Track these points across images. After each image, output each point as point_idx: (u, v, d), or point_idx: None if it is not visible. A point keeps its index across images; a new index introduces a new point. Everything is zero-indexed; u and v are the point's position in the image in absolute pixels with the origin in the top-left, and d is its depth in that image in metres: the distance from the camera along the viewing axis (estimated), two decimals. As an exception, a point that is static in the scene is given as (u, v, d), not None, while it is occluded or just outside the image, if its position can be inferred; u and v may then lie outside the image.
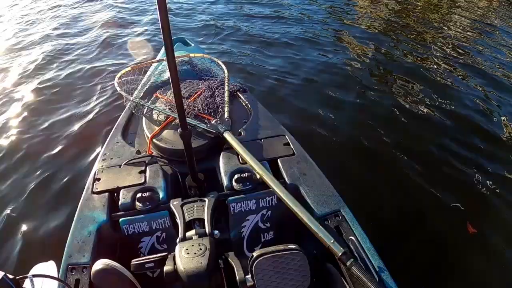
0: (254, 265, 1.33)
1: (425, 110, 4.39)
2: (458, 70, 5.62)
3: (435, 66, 5.66)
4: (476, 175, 3.46)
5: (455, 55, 6.16)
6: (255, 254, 1.36)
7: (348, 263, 1.49)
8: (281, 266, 1.35)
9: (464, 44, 6.74)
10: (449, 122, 4.21)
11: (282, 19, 7.31)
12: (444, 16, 8.59)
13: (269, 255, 1.35)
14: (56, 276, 1.68)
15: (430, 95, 4.76)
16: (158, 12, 1.46)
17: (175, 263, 1.37)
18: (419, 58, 5.94)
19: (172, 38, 3.66)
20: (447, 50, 6.38)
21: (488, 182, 3.39)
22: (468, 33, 7.39)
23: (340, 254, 1.51)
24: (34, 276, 1.30)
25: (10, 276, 1.07)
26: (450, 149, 3.78)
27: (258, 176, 1.92)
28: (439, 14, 8.78)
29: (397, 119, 4.23)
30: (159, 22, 1.50)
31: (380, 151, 3.66)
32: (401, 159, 3.56)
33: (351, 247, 1.66)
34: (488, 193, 3.28)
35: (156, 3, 1.44)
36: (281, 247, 1.39)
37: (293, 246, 1.38)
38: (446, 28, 7.62)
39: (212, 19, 7.24)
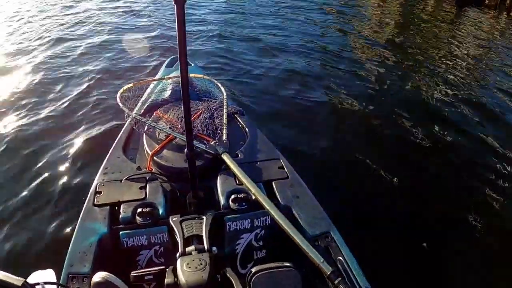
0: (252, 280, 1.41)
1: (419, 136, 4.52)
2: (463, 89, 5.83)
3: (438, 88, 5.88)
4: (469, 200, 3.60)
5: (461, 74, 6.39)
6: (253, 270, 1.44)
7: (336, 282, 1.55)
8: (276, 282, 1.43)
9: (471, 61, 7.01)
10: (445, 147, 4.39)
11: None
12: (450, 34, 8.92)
13: (266, 271, 1.43)
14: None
15: (427, 120, 4.91)
16: (177, 39, 1.58)
17: (175, 276, 1.45)
18: (424, 81, 6.14)
19: (173, 57, 3.78)
20: (454, 68, 6.63)
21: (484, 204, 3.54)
22: (474, 51, 7.65)
23: (329, 273, 1.57)
24: (45, 283, 1.36)
25: (30, 282, 1.15)
26: (445, 173, 3.96)
27: (253, 197, 1.99)
28: (445, 33, 9.18)
29: (387, 144, 4.39)
30: (178, 50, 1.61)
31: (372, 177, 3.78)
32: (393, 185, 3.68)
33: (339, 266, 1.74)
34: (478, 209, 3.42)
35: (176, 23, 1.54)
36: (277, 264, 1.47)
37: (288, 264, 1.46)
38: (453, 44, 7.91)
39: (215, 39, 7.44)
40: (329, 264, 1.62)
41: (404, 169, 3.91)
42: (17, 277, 1.12)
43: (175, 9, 1.51)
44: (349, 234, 2.00)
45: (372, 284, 1.69)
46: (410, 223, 3.26)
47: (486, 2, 12.18)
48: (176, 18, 1.54)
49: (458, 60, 7.21)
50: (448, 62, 7.05)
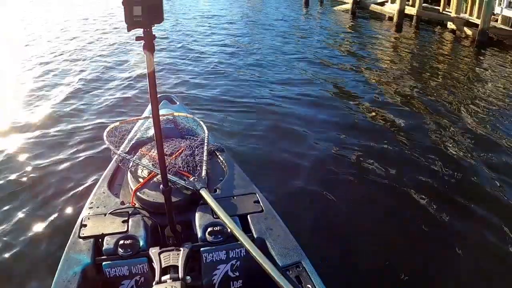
0: None
1: (390, 171, 4.65)
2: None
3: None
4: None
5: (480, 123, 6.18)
6: None
7: None
8: None
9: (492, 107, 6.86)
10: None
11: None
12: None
13: None
14: None
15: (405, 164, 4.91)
16: (148, 78, 1.79)
17: None
18: (440, 126, 6.03)
19: (159, 95, 4.00)
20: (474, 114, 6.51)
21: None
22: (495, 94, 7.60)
23: None
24: None
25: None
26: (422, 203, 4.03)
27: (229, 230, 2.10)
28: (464, 75, 9.10)
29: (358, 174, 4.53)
30: (148, 88, 1.83)
31: (346, 208, 3.91)
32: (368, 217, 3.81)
33: None
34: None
35: (147, 68, 1.76)
36: None
37: None
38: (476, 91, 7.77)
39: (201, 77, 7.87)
40: None
41: (382, 213, 3.97)
42: None
43: (146, 57, 1.73)
44: (322, 264, 2.15)
45: None
46: (384, 258, 3.33)
47: (506, 42, 12.35)
48: (146, 65, 1.76)
49: (477, 104, 7.11)
50: (466, 105, 7.00)
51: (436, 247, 3.44)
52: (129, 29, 1.62)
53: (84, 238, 2.17)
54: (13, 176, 4.22)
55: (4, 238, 3.33)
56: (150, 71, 1.77)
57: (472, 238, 3.57)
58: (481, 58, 11.05)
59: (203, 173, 2.58)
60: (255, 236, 2.20)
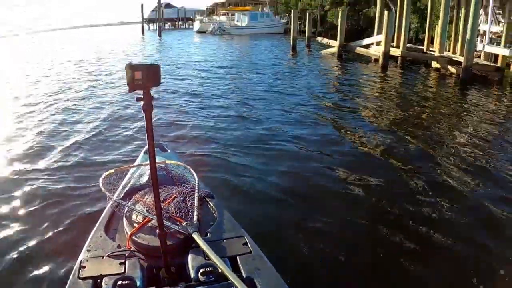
0: None
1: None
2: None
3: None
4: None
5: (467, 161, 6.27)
6: None
7: None
8: None
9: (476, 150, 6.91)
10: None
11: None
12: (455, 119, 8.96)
13: None
14: None
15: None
16: (146, 134, 1.98)
17: None
18: (428, 162, 6.17)
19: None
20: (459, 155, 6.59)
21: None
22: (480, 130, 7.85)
23: None
24: None
25: None
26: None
27: (220, 271, 2.24)
28: (450, 112, 9.43)
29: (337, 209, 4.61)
30: (147, 142, 2.01)
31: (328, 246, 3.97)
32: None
33: None
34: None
35: (145, 126, 1.95)
36: None
37: None
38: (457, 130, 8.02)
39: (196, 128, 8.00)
40: None
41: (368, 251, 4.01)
42: None
43: (145, 115, 1.95)
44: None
45: None
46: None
47: (490, 78, 12.87)
48: (145, 123, 1.97)
49: (464, 137, 7.41)
50: (454, 139, 7.29)
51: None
52: (130, 91, 1.85)
53: (83, 279, 2.27)
54: (11, 211, 4.40)
55: (3, 277, 3.41)
56: (149, 128, 1.97)
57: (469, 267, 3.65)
58: (466, 93, 11.48)
59: (195, 218, 2.72)
60: (244, 275, 2.32)
